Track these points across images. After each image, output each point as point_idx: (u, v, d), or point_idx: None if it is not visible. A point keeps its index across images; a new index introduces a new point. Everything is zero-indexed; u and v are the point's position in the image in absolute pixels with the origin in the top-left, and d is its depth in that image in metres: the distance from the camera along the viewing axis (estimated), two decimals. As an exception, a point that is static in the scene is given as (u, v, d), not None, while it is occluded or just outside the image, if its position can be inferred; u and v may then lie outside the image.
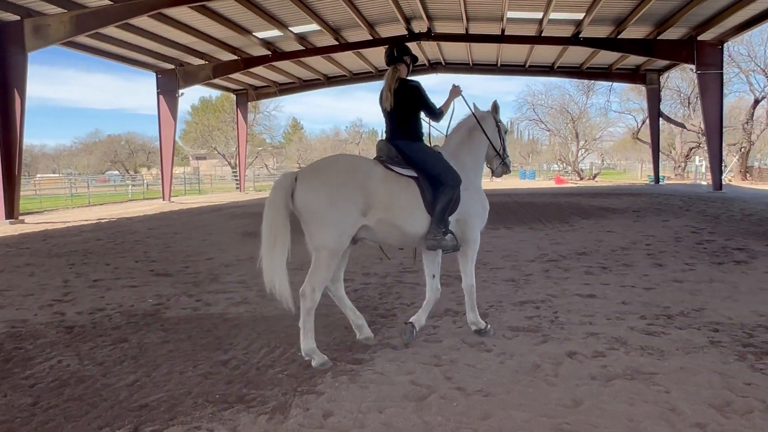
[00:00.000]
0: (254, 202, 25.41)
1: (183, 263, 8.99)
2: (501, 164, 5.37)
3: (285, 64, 28.34)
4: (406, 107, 4.87)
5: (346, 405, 3.56)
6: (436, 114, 5.02)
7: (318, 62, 28.89)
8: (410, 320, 4.87)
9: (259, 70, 28.52)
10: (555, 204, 19.38)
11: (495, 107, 5.41)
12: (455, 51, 29.18)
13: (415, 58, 5.17)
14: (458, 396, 3.65)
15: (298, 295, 4.27)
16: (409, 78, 5.03)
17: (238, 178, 37.99)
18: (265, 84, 33.36)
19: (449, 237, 4.69)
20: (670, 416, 3.31)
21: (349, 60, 28.97)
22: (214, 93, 58.14)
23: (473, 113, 5.26)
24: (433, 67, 32.13)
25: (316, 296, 4.27)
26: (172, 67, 25.56)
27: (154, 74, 25.94)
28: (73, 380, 4.06)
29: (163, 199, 26.52)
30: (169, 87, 25.76)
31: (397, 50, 4.98)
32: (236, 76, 29.26)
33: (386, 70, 4.99)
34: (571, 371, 4.02)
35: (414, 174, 4.66)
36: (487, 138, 5.24)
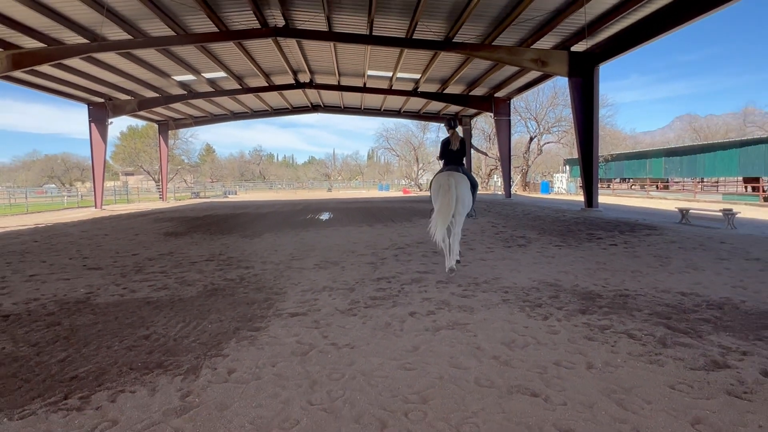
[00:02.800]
0: (174, 208, 23.58)
1: (112, 259, 8.06)
2: None
3: (199, 102, 26.58)
4: (462, 150, 6.80)
5: (246, 363, 3.40)
6: (467, 158, 6.95)
7: (226, 101, 27.42)
8: (450, 266, 6.14)
9: (177, 105, 26.48)
10: (402, 208, 19.81)
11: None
12: (331, 97, 29.08)
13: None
14: (332, 350, 3.62)
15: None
16: (459, 134, 6.88)
17: (161, 189, 35.02)
18: (183, 116, 31.06)
19: (473, 210, 6.78)
20: (476, 352, 3.52)
21: (250, 100, 27.79)
22: (140, 122, 53.47)
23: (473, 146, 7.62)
24: (315, 108, 31.78)
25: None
26: (102, 100, 22.97)
27: (86, 105, 23.22)
28: (8, 360, 3.50)
29: (96, 207, 23.65)
30: (99, 116, 23.02)
31: (456, 121, 6.86)
32: (158, 109, 26.98)
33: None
34: (412, 326, 4.13)
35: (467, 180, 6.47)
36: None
